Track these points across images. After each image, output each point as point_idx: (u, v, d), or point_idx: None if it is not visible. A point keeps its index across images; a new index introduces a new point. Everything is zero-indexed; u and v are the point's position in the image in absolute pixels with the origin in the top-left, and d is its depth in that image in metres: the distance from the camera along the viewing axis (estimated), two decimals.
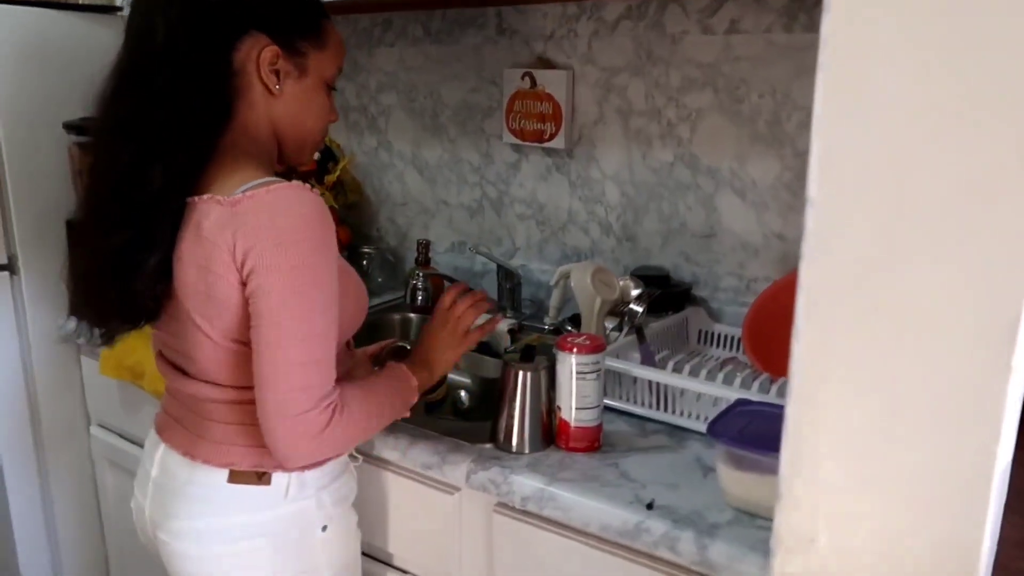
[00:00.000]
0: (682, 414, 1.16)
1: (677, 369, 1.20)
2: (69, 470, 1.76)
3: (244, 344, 0.96)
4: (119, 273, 0.95)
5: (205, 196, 0.93)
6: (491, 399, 1.17)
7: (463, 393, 1.46)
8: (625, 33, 1.47)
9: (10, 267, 1.64)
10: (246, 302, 0.92)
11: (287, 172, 1.06)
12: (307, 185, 0.95)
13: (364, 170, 1.91)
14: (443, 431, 1.16)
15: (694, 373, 1.17)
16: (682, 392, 1.15)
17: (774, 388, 1.14)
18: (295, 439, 0.92)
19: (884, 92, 0.53)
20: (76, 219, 1.03)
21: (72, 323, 1.63)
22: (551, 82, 1.55)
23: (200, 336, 0.98)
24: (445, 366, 1.13)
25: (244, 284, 0.91)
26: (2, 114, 1.56)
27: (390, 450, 1.15)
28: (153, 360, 1.41)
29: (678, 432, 1.15)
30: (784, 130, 1.34)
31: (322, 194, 1.63)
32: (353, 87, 1.87)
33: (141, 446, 1.59)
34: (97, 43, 1.67)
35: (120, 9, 1.76)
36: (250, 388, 0.98)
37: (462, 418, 1.43)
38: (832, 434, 0.59)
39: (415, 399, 1.08)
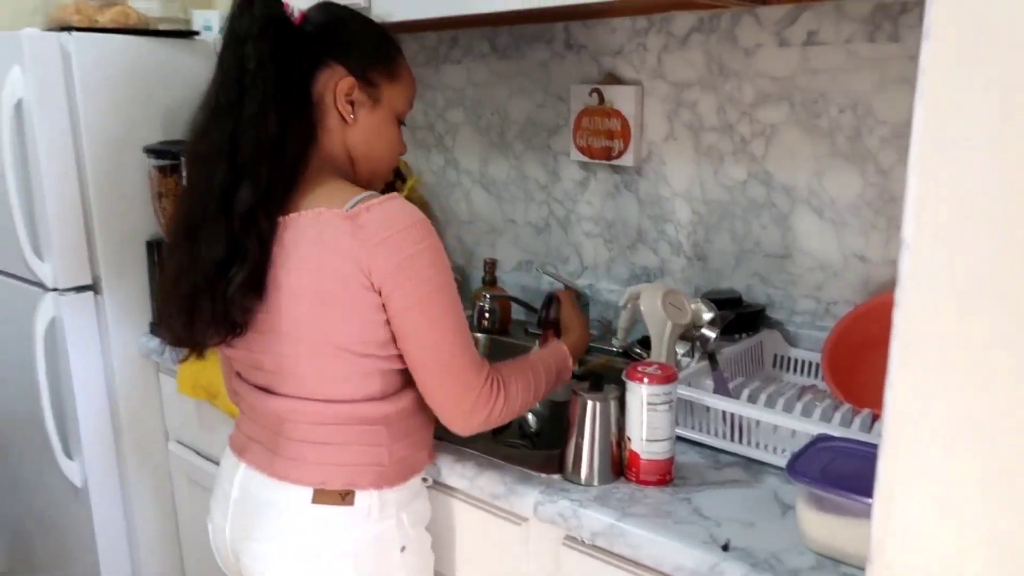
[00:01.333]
0: (758, 446, 1.11)
1: (752, 398, 1.15)
2: (148, 484, 1.82)
3: (352, 353, 1.00)
4: (213, 287, 1.00)
5: (319, 209, 0.98)
6: (558, 422, 1.15)
7: (530, 416, 1.44)
8: (696, 46, 1.43)
9: (94, 287, 1.70)
10: (371, 311, 0.98)
11: None
12: (401, 196, 1.01)
13: (432, 188, 1.91)
14: (510, 457, 1.15)
15: (770, 402, 1.12)
16: (758, 423, 1.10)
17: (857, 420, 1.07)
18: (461, 415, 1.01)
19: (989, 127, 0.48)
20: (169, 237, 1.09)
21: (154, 340, 1.68)
22: (619, 98, 1.52)
23: (301, 347, 1.01)
24: (585, 338, 1.26)
25: (375, 292, 0.97)
26: (89, 138, 1.62)
27: (457, 477, 1.14)
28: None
29: (754, 465, 1.10)
30: (866, 145, 1.27)
31: None
32: (420, 105, 1.88)
33: (216, 463, 1.64)
34: (177, 67, 1.73)
35: (197, 33, 1.81)
36: (347, 403, 1.02)
37: (528, 441, 1.41)
38: (929, 494, 0.54)
39: (571, 365, 1.16)
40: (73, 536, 1.85)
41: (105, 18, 1.70)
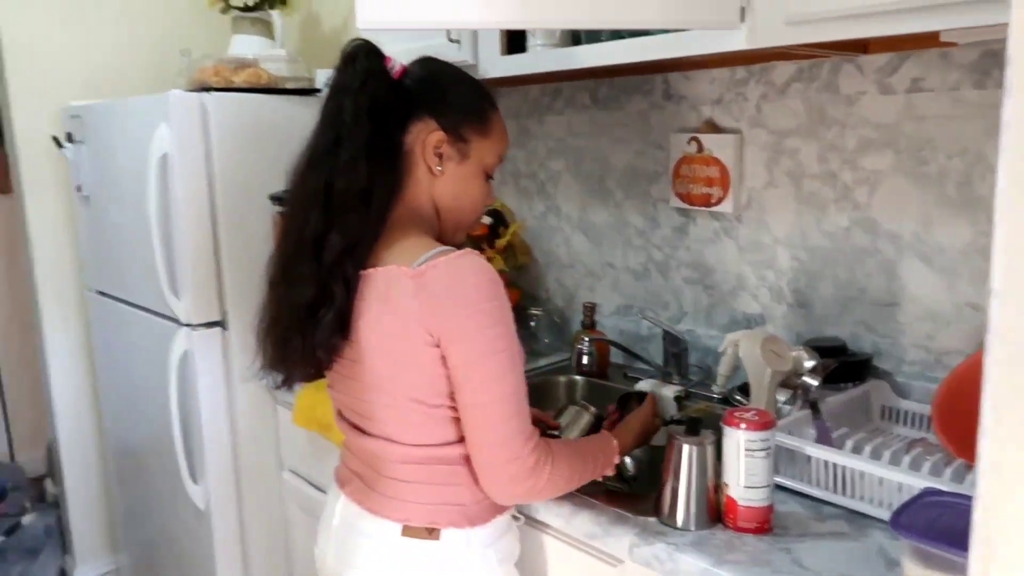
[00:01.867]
0: (862, 499, 1.09)
1: (857, 449, 1.13)
2: (263, 510, 1.93)
3: (425, 404, 1.04)
4: (302, 326, 1.07)
5: (390, 266, 1.02)
6: (656, 467, 1.16)
7: (628, 460, 1.45)
8: (796, 95, 1.44)
9: (222, 323, 1.84)
10: (434, 365, 1.01)
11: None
12: (476, 252, 1.02)
13: (533, 233, 1.98)
14: (607, 499, 1.16)
15: (876, 454, 1.10)
16: (862, 475, 1.08)
17: (969, 477, 1.04)
18: (501, 484, 1.02)
19: None
20: (269, 277, 1.16)
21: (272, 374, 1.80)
22: (718, 146, 1.54)
23: (381, 396, 1.07)
24: (642, 438, 1.24)
25: (436, 347, 1.00)
26: (221, 187, 1.78)
27: (553, 516, 1.17)
28: None
29: (858, 518, 1.08)
30: (976, 192, 1.24)
31: (493, 257, 1.71)
32: (523, 154, 1.96)
33: (326, 494, 1.73)
34: (299, 121, 1.84)
35: (319, 91, 1.96)
36: (426, 446, 1.06)
37: (626, 485, 1.42)
38: None
39: (615, 461, 1.14)
40: (195, 555, 1.97)
41: (239, 79, 1.87)
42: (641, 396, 1.33)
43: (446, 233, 1.15)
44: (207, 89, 1.78)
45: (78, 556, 2.55)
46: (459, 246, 1.05)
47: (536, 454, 1.01)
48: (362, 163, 1.04)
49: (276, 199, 1.77)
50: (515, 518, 1.18)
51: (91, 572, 2.56)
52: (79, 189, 2.17)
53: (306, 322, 1.06)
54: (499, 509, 1.12)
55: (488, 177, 1.16)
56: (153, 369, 1.94)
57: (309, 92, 1.94)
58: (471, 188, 1.13)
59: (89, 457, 2.51)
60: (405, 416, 1.06)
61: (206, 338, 1.82)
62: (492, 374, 1.00)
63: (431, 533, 1.07)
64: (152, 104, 1.78)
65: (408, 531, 1.08)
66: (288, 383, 1.19)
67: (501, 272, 1.28)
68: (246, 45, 2.10)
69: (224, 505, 1.88)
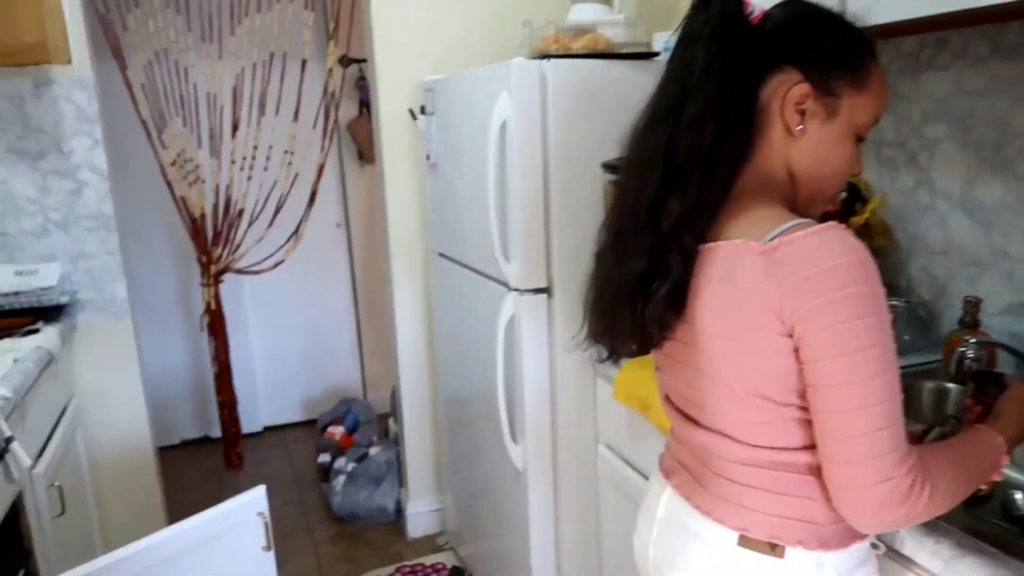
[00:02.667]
0: None
1: None
2: (577, 480, 1.93)
3: (773, 402, 0.90)
4: (632, 299, 0.98)
5: (736, 241, 0.90)
6: None
7: (1018, 495, 1.17)
8: None
9: (547, 290, 1.85)
10: (784, 358, 0.87)
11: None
12: (842, 226, 0.85)
13: (896, 212, 1.69)
14: (994, 541, 0.93)
15: None
16: None
17: None
18: (867, 509, 0.85)
19: None
20: (599, 247, 1.09)
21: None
22: None
23: (719, 386, 0.95)
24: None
25: (788, 337, 0.86)
26: (554, 155, 1.77)
27: (927, 554, 0.96)
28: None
29: None
30: (1006, 155, 0.76)
31: None
32: (890, 119, 1.68)
33: (642, 473, 1.67)
34: (634, 87, 1.78)
35: (657, 54, 1.87)
36: (771, 449, 0.92)
37: (1017, 526, 1.14)
38: None
39: (1005, 461, 0.93)
40: (511, 512, 2.05)
41: (578, 45, 1.85)
42: (998, 377, 1.07)
43: (799, 205, 0.98)
44: (546, 57, 1.78)
45: (411, 491, 2.82)
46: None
47: (912, 475, 0.83)
48: (710, 120, 0.92)
49: (609, 167, 1.73)
50: (874, 546, 0.99)
51: (421, 507, 2.82)
52: (428, 158, 2.34)
53: (637, 295, 0.98)
54: (859, 534, 0.95)
55: (858, 140, 0.97)
56: (483, 330, 2.03)
57: (646, 56, 1.86)
58: (836, 152, 0.96)
59: (423, 403, 2.76)
60: (747, 412, 0.93)
61: (532, 304, 1.85)
62: (858, 375, 0.82)
63: (774, 549, 0.94)
64: (495, 73, 1.83)
65: (746, 542, 0.96)
66: (612, 357, 1.12)
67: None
68: (585, 12, 2.07)
69: (540, 469, 1.92)
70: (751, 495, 0.96)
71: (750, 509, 0.96)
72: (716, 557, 0.98)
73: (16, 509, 1.58)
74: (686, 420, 1.04)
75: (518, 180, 1.77)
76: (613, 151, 1.80)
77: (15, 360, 1.73)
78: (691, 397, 1.02)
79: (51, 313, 2.12)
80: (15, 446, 1.39)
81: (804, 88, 0.93)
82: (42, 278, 2.16)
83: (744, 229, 0.91)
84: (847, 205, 1.61)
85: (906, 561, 1.01)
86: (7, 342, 1.89)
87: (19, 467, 1.40)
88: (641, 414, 1.60)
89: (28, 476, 1.65)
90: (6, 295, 2.09)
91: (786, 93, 0.93)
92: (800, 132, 0.94)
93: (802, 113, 0.94)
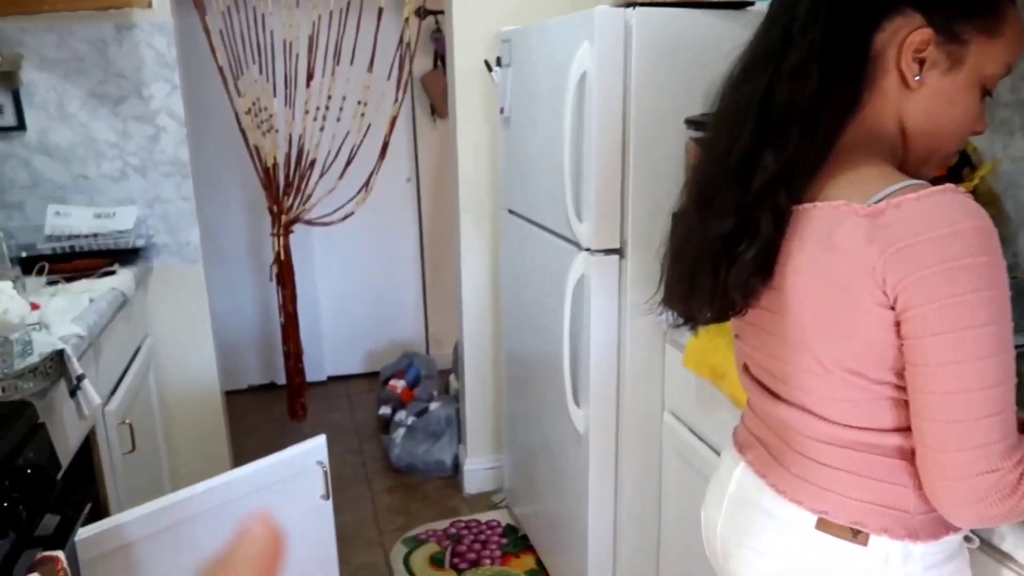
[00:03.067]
0: None
1: None
2: (640, 447, 1.87)
3: (867, 379, 0.83)
4: (715, 262, 0.92)
5: (837, 202, 0.82)
6: None
7: None
8: None
9: (620, 251, 1.78)
10: (882, 331, 0.79)
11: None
12: (960, 189, 0.76)
13: (1008, 180, 1.55)
14: None
15: None
16: None
17: None
18: (969, 500, 0.77)
19: None
20: (681, 206, 1.02)
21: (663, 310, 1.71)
22: None
23: (806, 359, 0.88)
24: None
25: (890, 309, 0.78)
26: (635, 109, 1.69)
27: None
28: (733, 362, 1.37)
29: None
30: None
31: None
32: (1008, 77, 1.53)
33: (709, 444, 1.60)
34: (725, 38, 1.68)
35: (752, 4, 1.75)
36: (860, 429, 0.85)
37: None
38: None
39: None
40: (570, 476, 2.01)
41: None
42: None
43: (910, 165, 0.89)
44: (632, 4, 1.69)
45: (469, 447, 2.82)
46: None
47: (1021, 468, 0.75)
48: (813, 67, 0.83)
49: (693, 123, 1.63)
50: (967, 539, 0.92)
51: (478, 464, 2.83)
52: (501, 111, 2.28)
53: (720, 258, 0.91)
54: (953, 525, 0.87)
55: (984, 94, 0.87)
56: (551, 289, 1.98)
57: (740, 5, 1.74)
58: (957, 107, 0.86)
59: (485, 360, 2.74)
60: (835, 389, 0.86)
61: (604, 264, 1.78)
62: (968, 354, 0.74)
63: (856, 536, 0.87)
64: (577, 22, 1.74)
65: (825, 526, 0.89)
66: (690, 323, 1.06)
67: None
68: None
69: (602, 434, 1.87)
70: (834, 476, 0.89)
71: (832, 491, 0.89)
72: (792, 539, 0.92)
73: (88, 445, 1.63)
74: (766, 393, 0.98)
75: (595, 135, 1.69)
76: (698, 107, 1.71)
77: (91, 300, 1.77)
78: (773, 369, 0.95)
79: (127, 256, 2.16)
80: (86, 384, 1.41)
81: (926, 33, 0.83)
82: (119, 221, 2.21)
83: (846, 189, 0.83)
84: (953, 170, 1.48)
85: (1004, 557, 0.93)
86: (84, 283, 1.93)
87: (90, 405, 1.43)
88: (713, 383, 1.53)
89: (100, 413, 1.70)
90: (85, 237, 2.14)
91: (904, 39, 0.84)
92: (918, 84, 0.85)
93: (921, 62, 0.84)
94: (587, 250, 1.78)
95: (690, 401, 1.69)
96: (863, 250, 0.78)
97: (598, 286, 1.79)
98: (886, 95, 0.86)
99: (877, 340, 0.80)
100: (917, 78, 0.84)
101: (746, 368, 1.05)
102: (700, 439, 1.65)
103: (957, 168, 1.48)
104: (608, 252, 1.78)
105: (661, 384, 1.83)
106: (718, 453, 1.57)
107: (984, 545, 0.94)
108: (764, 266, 0.89)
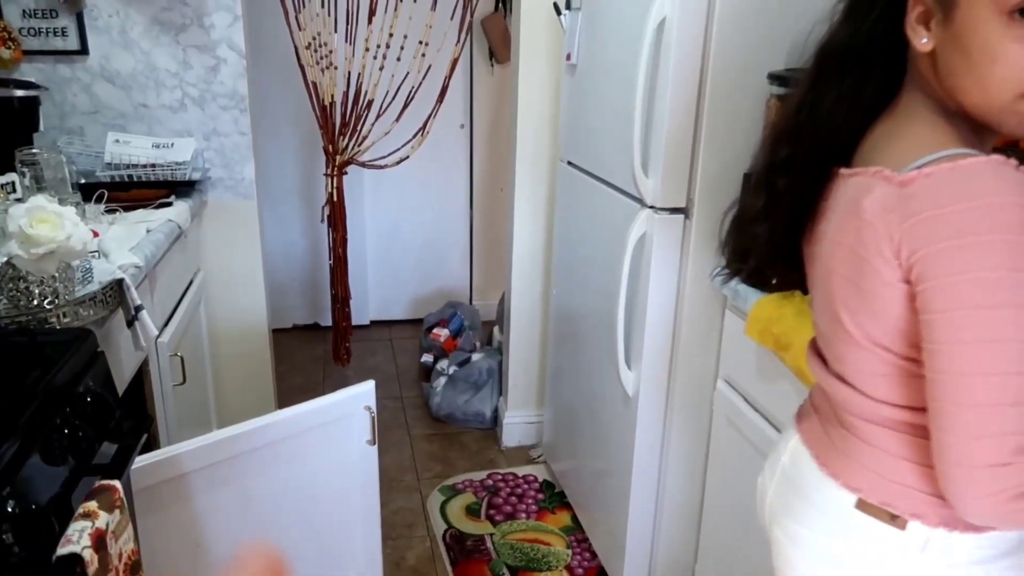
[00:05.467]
0: None
1: None
2: (690, 413, 1.83)
3: (894, 354, 0.79)
4: (770, 224, 0.93)
5: (879, 168, 0.77)
6: None
7: None
8: None
9: (685, 211, 1.72)
10: (899, 306, 0.75)
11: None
12: (1004, 159, 0.70)
13: None
14: None
15: None
16: None
17: None
18: (976, 494, 0.72)
19: None
20: (754, 165, 0.99)
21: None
22: None
23: (841, 330, 0.84)
24: None
25: (906, 283, 0.74)
26: (715, 61, 1.59)
27: None
28: (799, 333, 1.32)
29: None
30: None
31: None
32: None
33: (764, 415, 1.55)
34: None
35: None
36: (896, 407, 0.82)
37: None
38: None
39: None
40: (615, 436, 1.98)
41: None
42: None
43: (974, 131, 0.79)
44: None
45: (510, 400, 2.81)
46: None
47: None
48: (887, 15, 0.80)
49: (776, 78, 1.54)
50: None
51: (518, 417, 2.82)
52: (568, 58, 2.19)
53: (772, 219, 0.92)
54: None
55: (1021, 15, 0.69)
56: (608, 246, 1.92)
57: None
58: (974, 54, 0.72)
59: (532, 313, 2.70)
60: (866, 362, 0.82)
61: (667, 224, 1.72)
62: (981, 334, 0.68)
63: (894, 520, 0.84)
64: None
65: (864, 506, 0.86)
66: (755, 281, 1.05)
67: None
68: None
69: (653, 397, 1.83)
70: (872, 455, 0.85)
71: (869, 470, 0.86)
72: (836, 520, 0.89)
73: (140, 375, 1.64)
74: (820, 362, 0.94)
75: (670, 86, 1.61)
76: (782, 62, 1.61)
77: (148, 231, 1.76)
78: (824, 333, 0.92)
79: (183, 188, 2.15)
80: (144, 315, 1.41)
81: None
82: (177, 153, 2.19)
83: (888, 155, 0.78)
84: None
85: None
86: (141, 212, 1.93)
87: (146, 336, 1.43)
88: (776, 353, 1.47)
89: (154, 345, 1.70)
90: (143, 167, 2.14)
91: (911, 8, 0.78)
92: (924, 46, 0.77)
93: (926, 24, 0.76)
94: (651, 207, 1.72)
95: (747, 370, 1.64)
96: (883, 218, 0.74)
97: (660, 246, 1.73)
98: (924, 75, 0.80)
99: (895, 314, 0.76)
100: (924, 41, 0.76)
101: (814, 339, 1.02)
102: (755, 408, 1.60)
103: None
104: (673, 211, 1.71)
105: (717, 351, 1.77)
106: (773, 424, 1.52)
107: None
108: (794, 230, 0.90)
